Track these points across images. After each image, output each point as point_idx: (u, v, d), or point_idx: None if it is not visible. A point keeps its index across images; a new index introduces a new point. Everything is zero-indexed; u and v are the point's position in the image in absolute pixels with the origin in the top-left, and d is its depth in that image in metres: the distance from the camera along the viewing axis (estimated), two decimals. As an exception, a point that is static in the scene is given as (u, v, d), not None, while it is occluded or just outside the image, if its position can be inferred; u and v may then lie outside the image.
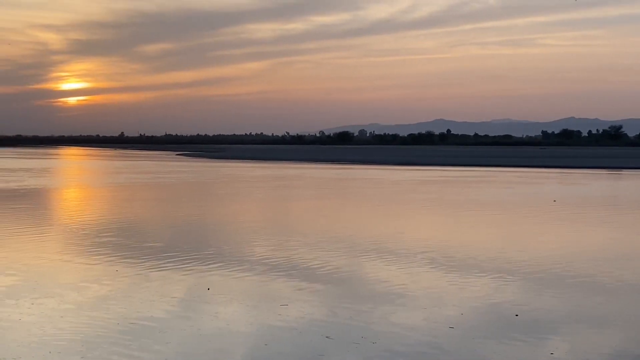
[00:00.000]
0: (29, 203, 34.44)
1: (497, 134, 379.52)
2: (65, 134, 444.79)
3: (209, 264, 17.34)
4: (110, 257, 18.35)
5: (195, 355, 10.34)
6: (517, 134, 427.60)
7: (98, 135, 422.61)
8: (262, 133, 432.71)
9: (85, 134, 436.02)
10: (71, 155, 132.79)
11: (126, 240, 21.40)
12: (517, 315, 12.71)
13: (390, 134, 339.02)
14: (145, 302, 13.45)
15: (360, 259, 18.47)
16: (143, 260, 17.80)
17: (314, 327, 11.87)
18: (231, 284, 15.16)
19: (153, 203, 35.99)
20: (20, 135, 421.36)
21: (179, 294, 14.18)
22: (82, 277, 15.82)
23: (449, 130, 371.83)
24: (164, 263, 17.46)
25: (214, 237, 22.95)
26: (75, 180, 57.16)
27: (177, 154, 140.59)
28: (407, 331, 11.63)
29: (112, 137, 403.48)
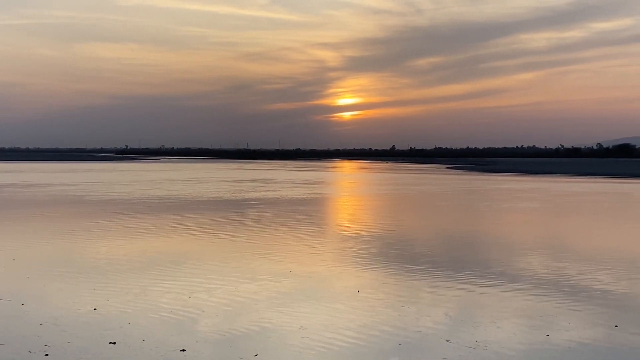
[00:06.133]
0: (276, 212, 36.29)
1: None
2: (340, 147, 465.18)
3: (473, 279, 17.15)
4: (381, 266, 18.82)
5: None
6: None
7: (370, 149, 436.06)
8: (534, 146, 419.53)
9: (359, 147, 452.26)
10: (340, 168, 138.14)
11: (395, 251, 21.79)
12: None
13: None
14: (416, 313, 13.59)
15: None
16: (411, 272, 18.04)
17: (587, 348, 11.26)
18: (499, 301, 14.84)
19: (415, 215, 36.32)
20: (299, 149, 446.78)
21: (449, 307, 14.16)
22: (351, 284, 16.34)
23: None
24: (433, 276, 17.55)
25: (478, 251, 22.65)
26: (329, 191, 59.30)
27: (446, 167, 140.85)
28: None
29: (384, 150, 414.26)
